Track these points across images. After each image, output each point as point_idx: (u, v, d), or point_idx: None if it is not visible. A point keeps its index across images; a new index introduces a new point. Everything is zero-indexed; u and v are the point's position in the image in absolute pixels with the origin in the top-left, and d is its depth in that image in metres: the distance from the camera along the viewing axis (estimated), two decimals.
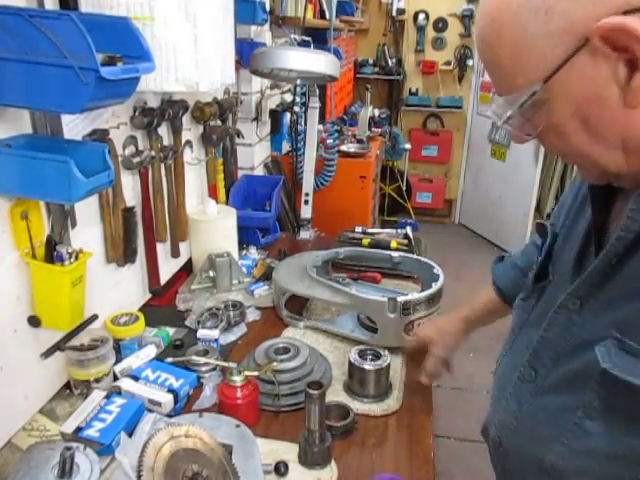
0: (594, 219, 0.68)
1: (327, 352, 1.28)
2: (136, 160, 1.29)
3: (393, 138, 3.79)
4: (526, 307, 0.80)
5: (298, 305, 1.48)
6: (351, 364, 1.14)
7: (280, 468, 0.92)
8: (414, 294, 1.24)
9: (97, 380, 1.10)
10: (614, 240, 0.61)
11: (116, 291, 1.32)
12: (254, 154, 2.26)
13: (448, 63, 4.68)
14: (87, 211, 1.17)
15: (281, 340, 1.24)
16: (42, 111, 0.96)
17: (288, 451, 0.97)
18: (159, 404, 1.05)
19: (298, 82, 1.98)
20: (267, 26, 2.20)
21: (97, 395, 1.04)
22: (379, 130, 3.50)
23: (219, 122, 1.84)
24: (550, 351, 0.69)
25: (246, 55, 1.83)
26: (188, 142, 1.59)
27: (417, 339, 1.19)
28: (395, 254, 1.54)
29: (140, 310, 1.38)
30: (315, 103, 1.97)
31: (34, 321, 1.01)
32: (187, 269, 1.70)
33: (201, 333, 1.28)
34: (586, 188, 0.73)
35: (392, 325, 1.23)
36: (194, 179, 1.72)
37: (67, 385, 1.13)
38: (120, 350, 1.21)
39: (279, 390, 1.09)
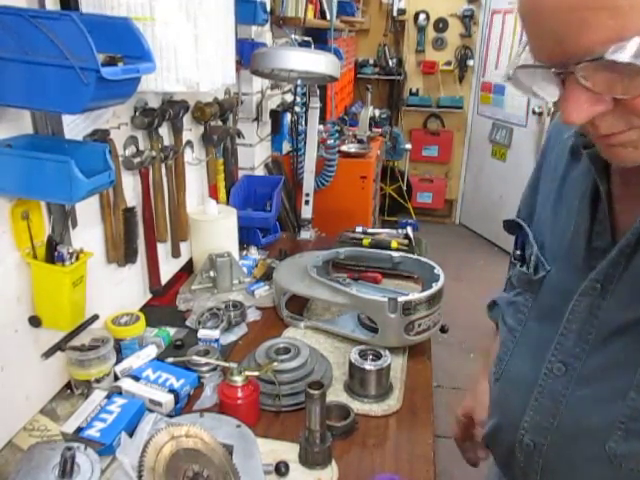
0: (608, 199, 0.66)
1: (328, 352, 1.28)
2: (137, 160, 1.29)
3: (393, 138, 3.80)
4: (523, 302, 0.78)
5: (299, 305, 1.48)
6: (352, 364, 1.14)
7: (281, 468, 0.92)
8: (415, 294, 1.24)
9: (98, 380, 1.10)
10: None
11: (117, 291, 1.32)
12: (255, 154, 2.26)
13: (448, 63, 4.69)
14: (88, 211, 1.17)
15: (282, 340, 1.24)
16: (43, 111, 0.96)
17: (289, 451, 0.97)
18: (160, 404, 1.05)
19: (299, 82, 1.98)
20: (268, 26, 2.21)
21: (98, 395, 1.04)
22: (379, 130, 3.50)
23: (220, 122, 1.84)
24: (579, 341, 0.67)
25: (247, 55, 1.83)
26: (189, 142, 1.59)
27: (460, 419, 1.04)
28: (395, 254, 1.54)
29: (141, 310, 1.38)
30: (316, 103, 1.97)
31: (35, 321, 1.01)
32: (188, 269, 1.70)
33: (202, 333, 1.28)
34: (561, 171, 0.72)
35: (393, 325, 1.23)
36: (195, 179, 1.72)
37: (68, 385, 1.13)
38: (121, 350, 1.21)
39: (280, 390, 1.09)
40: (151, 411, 1.04)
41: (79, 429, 0.96)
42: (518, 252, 0.84)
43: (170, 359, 1.19)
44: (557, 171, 0.78)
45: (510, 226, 0.87)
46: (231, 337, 1.36)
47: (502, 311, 0.85)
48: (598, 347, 0.65)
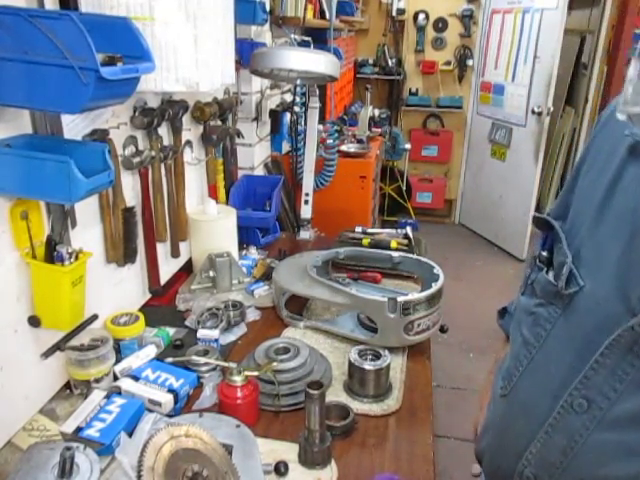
0: None
1: (327, 352, 1.28)
2: (136, 160, 1.29)
3: (393, 138, 3.79)
4: (546, 316, 0.68)
5: (298, 305, 1.48)
6: (351, 364, 1.14)
7: (280, 468, 0.92)
8: (414, 294, 1.24)
9: (97, 380, 1.10)
10: None
11: (116, 291, 1.32)
12: (254, 154, 2.26)
13: (448, 63, 4.68)
14: (87, 211, 1.17)
15: (281, 340, 1.24)
16: (42, 111, 0.96)
17: (288, 451, 0.97)
18: (159, 404, 1.05)
19: (298, 82, 1.98)
20: (267, 26, 2.20)
21: (97, 395, 1.04)
22: (379, 130, 3.50)
23: (219, 122, 1.84)
24: (611, 379, 0.58)
25: (246, 55, 1.83)
26: (188, 142, 1.59)
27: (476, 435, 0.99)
28: (395, 254, 1.54)
29: (140, 310, 1.38)
30: (315, 103, 1.97)
31: (34, 321, 1.01)
32: (187, 269, 1.70)
33: (201, 333, 1.28)
34: (612, 170, 0.60)
35: (392, 325, 1.23)
36: (194, 179, 1.72)
37: (67, 385, 1.13)
38: (120, 350, 1.21)
39: (279, 390, 1.09)
40: (150, 411, 1.04)
41: (78, 429, 0.96)
42: (545, 254, 0.73)
43: (169, 359, 1.19)
44: (607, 170, 0.66)
45: (540, 223, 0.76)
46: (230, 337, 1.36)
47: (518, 319, 0.75)
48: (634, 390, 0.57)
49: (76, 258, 1.00)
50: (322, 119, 3.01)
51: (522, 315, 0.74)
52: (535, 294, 0.72)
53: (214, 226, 1.65)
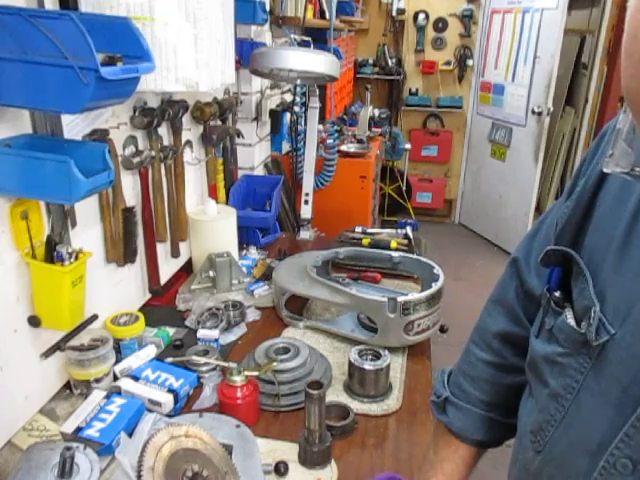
0: None
1: (327, 352, 1.28)
2: (136, 160, 1.29)
3: (393, 138, 3.79)
4: (576, 367, 0.60)
5: (298, 305, 1.48)
6: (351, 364, 1.14)
7: (280, 468, 0.92)
8: (414, 294, 1.24)
9: (97, 380, 1.10)
10: None
11: (116, 291, 1.32)
12: (254, 154, 2.26)
13: (448, 63, 4.69)
14: (87, 211, 1.17)
15: (281, 340, 1.24)
16: (42, 111, 0.96)
17: (288, 451, 0.97)
18: (159, 404, 1.05)
19: (298, 82, 1.98)
20: (267, 26, 2.21)
21: (97, 395, 1.04)
22: (379, 130, 3.50)
23: (219, 122, 1.84)
24: None
25: (246, 55, 1.83)
26: (188, 142, 1.59)
27: None
28: (395, 254, 1.54)
29: (140, 310, 1.38)
30: (315, 103, 1.97)
31: (34, 321, 1.01)
32: (187, 269, 1.70)
33: (201, 333, 1.28)
34: (637, 195, 0.54)
35: (392, 325, 1.23)
36: (194, 179, 1.72)
37: (67, 385, 1.13)
38: (120, 350, 1.21)
39: (279, 390, 1.09)
40: (150, 411, 1.04)
41: (78, 429, 0.96)
42: (557, 294, 0.64)
43: (169, 359, 1.19)
44: (627, 195, 0.57)
45: (552, 258, 0.65)
46: (230, 337, 1.36)
47: (535, 367, 0.68)
48: None
49: (76, 258, 1.00)
50: (322, 119, 3.01)
51: (541, 363, 0.67)
52: (557, 341, 0.64)
53: (214, 226, 1.65)
